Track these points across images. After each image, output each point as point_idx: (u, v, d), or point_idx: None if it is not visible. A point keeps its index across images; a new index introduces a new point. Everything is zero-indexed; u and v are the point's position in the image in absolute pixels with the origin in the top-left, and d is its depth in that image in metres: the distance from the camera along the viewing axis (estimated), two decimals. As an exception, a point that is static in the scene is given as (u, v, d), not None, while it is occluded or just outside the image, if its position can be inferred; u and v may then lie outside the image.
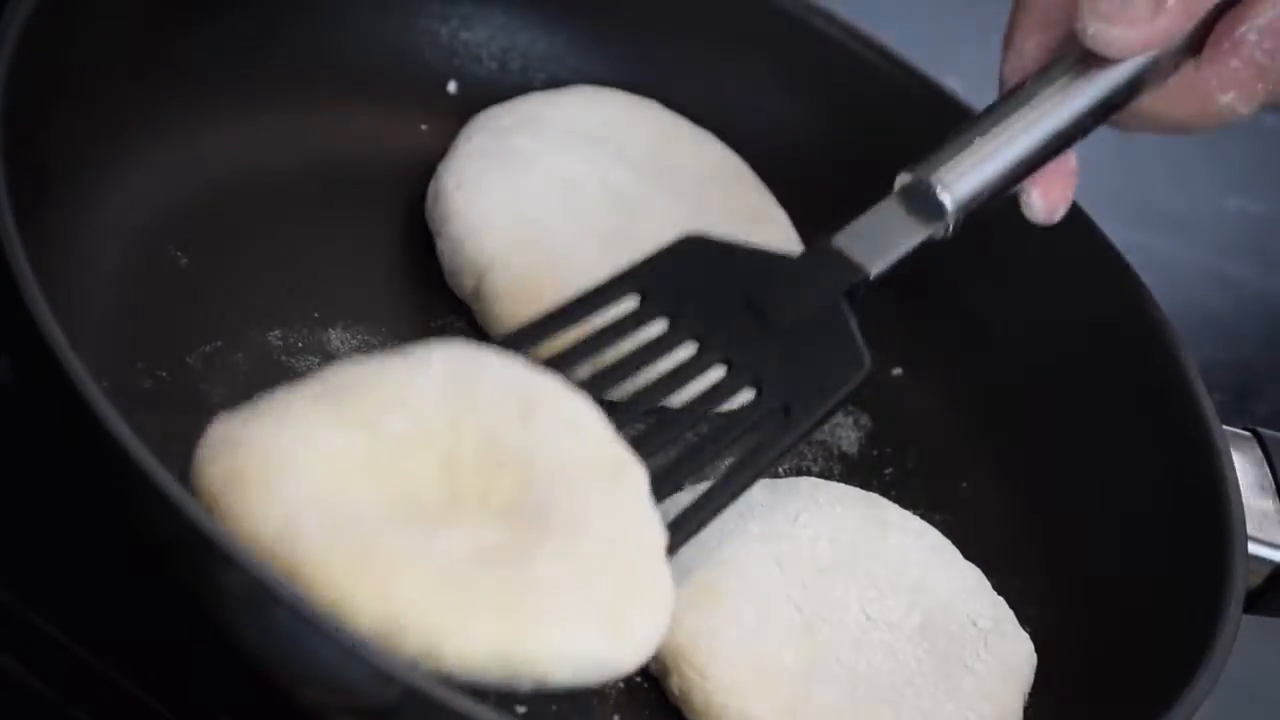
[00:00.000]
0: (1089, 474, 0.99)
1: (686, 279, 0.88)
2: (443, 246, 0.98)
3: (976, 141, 0.90)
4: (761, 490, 0.91)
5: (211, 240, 0.93)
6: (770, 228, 1.04)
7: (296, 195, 0.97)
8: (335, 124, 1.00)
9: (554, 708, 0.83)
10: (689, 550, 0.84)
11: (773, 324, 0.88)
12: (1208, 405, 0.95)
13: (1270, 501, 0.94)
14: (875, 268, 0.89)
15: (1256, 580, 0.92)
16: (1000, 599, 0.92)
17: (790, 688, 0.84)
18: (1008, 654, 0.89)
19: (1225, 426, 0.95)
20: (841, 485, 0.95)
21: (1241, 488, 0.92)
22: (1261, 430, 0.96)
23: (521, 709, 0.82)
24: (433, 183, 1.00)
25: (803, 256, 0.93)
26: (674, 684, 0.85)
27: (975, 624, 0.90)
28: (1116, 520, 0.96)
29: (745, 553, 0.88)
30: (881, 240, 0.90)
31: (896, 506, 0.94)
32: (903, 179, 0.90)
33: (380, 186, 1.00)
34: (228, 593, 0.72)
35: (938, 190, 0.89)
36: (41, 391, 0.76)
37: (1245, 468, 0.94)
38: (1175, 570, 0.92)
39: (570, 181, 1.00)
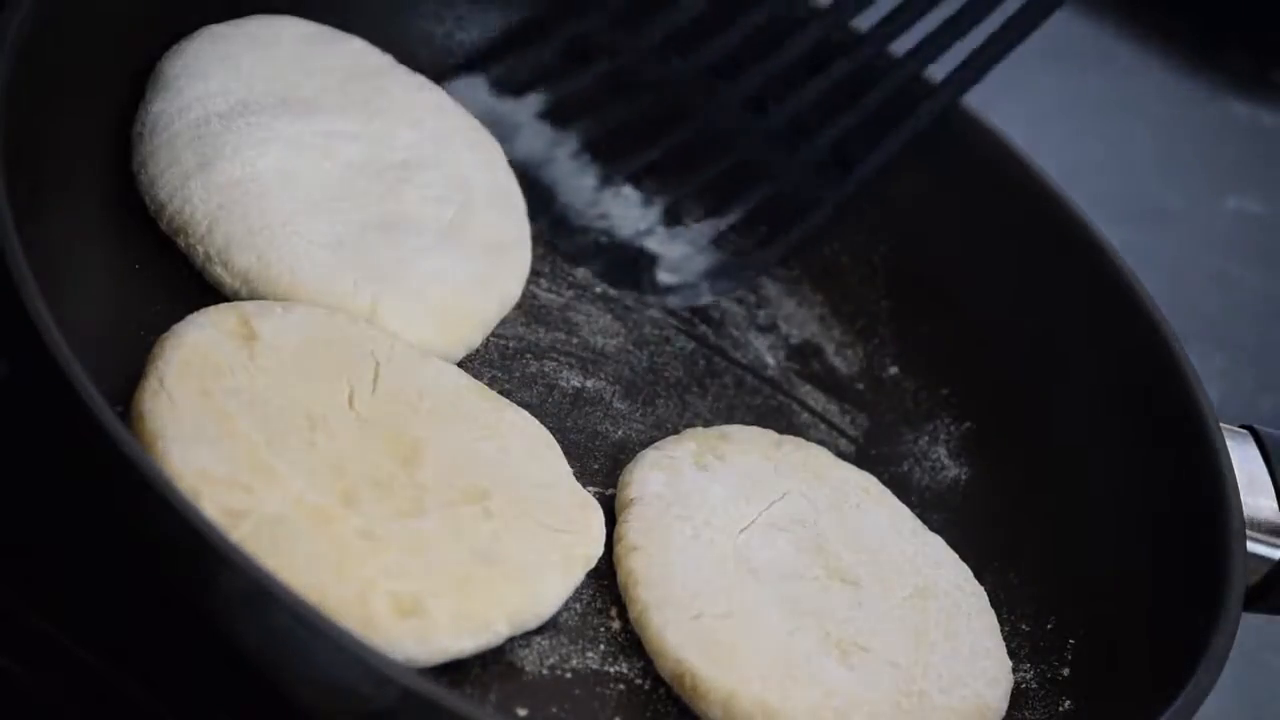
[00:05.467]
0: (1088, 474, 0.99)
1: None
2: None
3: None
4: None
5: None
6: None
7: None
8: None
9: (554, 710, 0.83)
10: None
11: None
12: (1206, 404, 0.95)
13: (1268, 499, 0.94)
14: None
15: (1255, 578, 0.92)
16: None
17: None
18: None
19: (1223, 425, 0.95)
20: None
21: (1240, 485, 0.92)
22: (1259, 428, 0.96)
23: (523, 712, 0.82)
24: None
25: None
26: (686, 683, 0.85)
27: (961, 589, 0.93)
28: (1115, 519, 0.96)
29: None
30: None
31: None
32: None
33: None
34: (227, 594, 0.72)
35: None
36: (41, 393, 0.76)
37: (1243, 465, 0.94)
38: (1174, 568, 0.92)
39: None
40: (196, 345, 0.83)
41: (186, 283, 0.90)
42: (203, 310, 0.86)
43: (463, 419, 0.87)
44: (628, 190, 1.03)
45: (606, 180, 1.02)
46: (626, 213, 1.03)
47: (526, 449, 0.88)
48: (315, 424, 0.83)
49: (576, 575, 0.86)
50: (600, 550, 0.88)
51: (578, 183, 1.02)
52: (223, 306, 0.86)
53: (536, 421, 0.90)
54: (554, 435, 0.94)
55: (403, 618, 0.79)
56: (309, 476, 0.81)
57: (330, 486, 0.81)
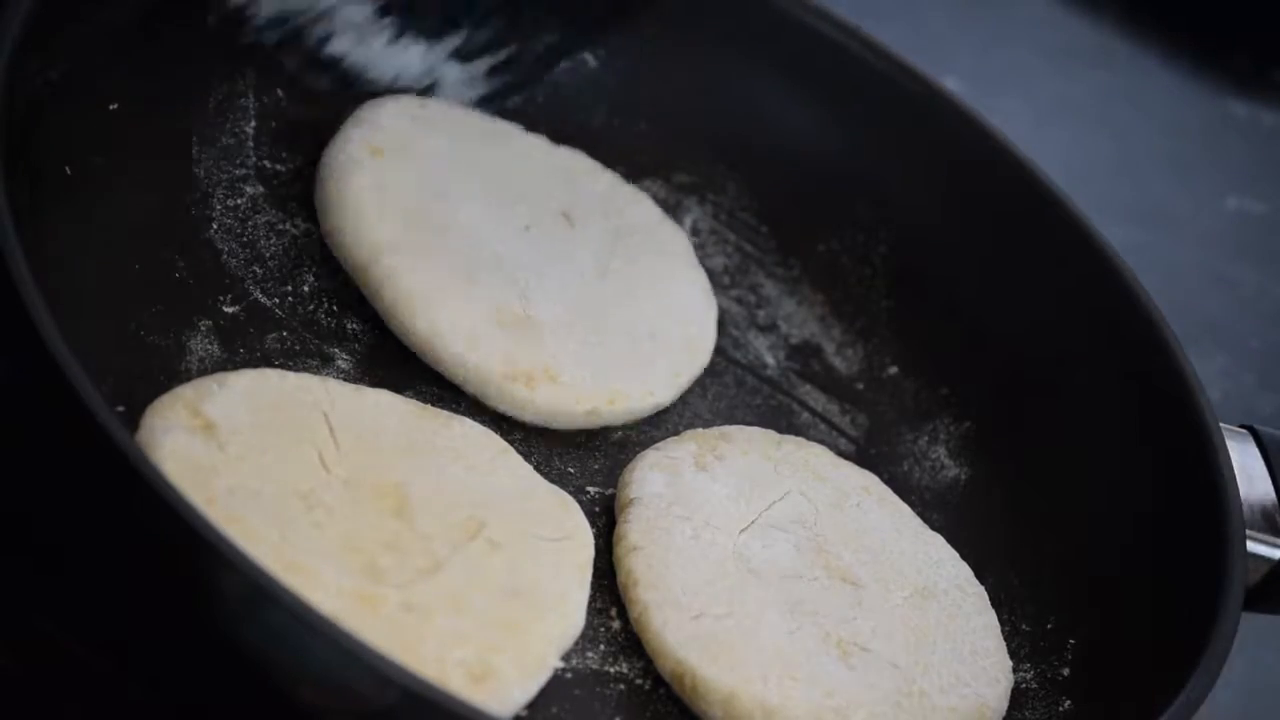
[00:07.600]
0: (1088, 474, 0.99)
1: None
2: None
3: None
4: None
5: (208, 244, 0.93)
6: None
7: (292, 197, 0.97)
8: (334, 125, 1.00)
9: (554, 709, 0.83)
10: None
11: None
12: (1205, 403, 0.95)
13: (1268, 499, 0.94)
14: None
15: (1255, 578, 0.92)
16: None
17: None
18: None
19: (1223, 425, 0.95)
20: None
21: (1240, 485, 0.92)
22: (1259, 428, 0.96)
23: (523, 712, 0.82)
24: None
25: None
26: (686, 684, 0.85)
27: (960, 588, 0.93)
28: (1115, 519, 0.96)
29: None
30: None
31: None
32: None
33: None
34: (227, 595, 0.72)
35: None
36: (41, 394, 0.76)
37: (1243, 465, 0.94)
38: (1174, 569, 0.92)
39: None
40: (175, 453, 0.81)
41: (184, 283, 0.91)
42: (150, 411, 0.83)
43: (423, 449, 0.87)
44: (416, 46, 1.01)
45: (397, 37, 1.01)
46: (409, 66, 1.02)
47: (488, 460, 0.88)
48: (309, 502, 0.82)
49: (587, 579, 0.86)
50: (591, 547, 0.88)
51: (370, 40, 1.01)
52: (165, 401, 0.84)
53: (481, 427, 0.90)
54: (554, 435, 0.94)
55: (479, 684, 0.79)
56: (333, 562, 0.80)
57: (353, 565, 0.81)
